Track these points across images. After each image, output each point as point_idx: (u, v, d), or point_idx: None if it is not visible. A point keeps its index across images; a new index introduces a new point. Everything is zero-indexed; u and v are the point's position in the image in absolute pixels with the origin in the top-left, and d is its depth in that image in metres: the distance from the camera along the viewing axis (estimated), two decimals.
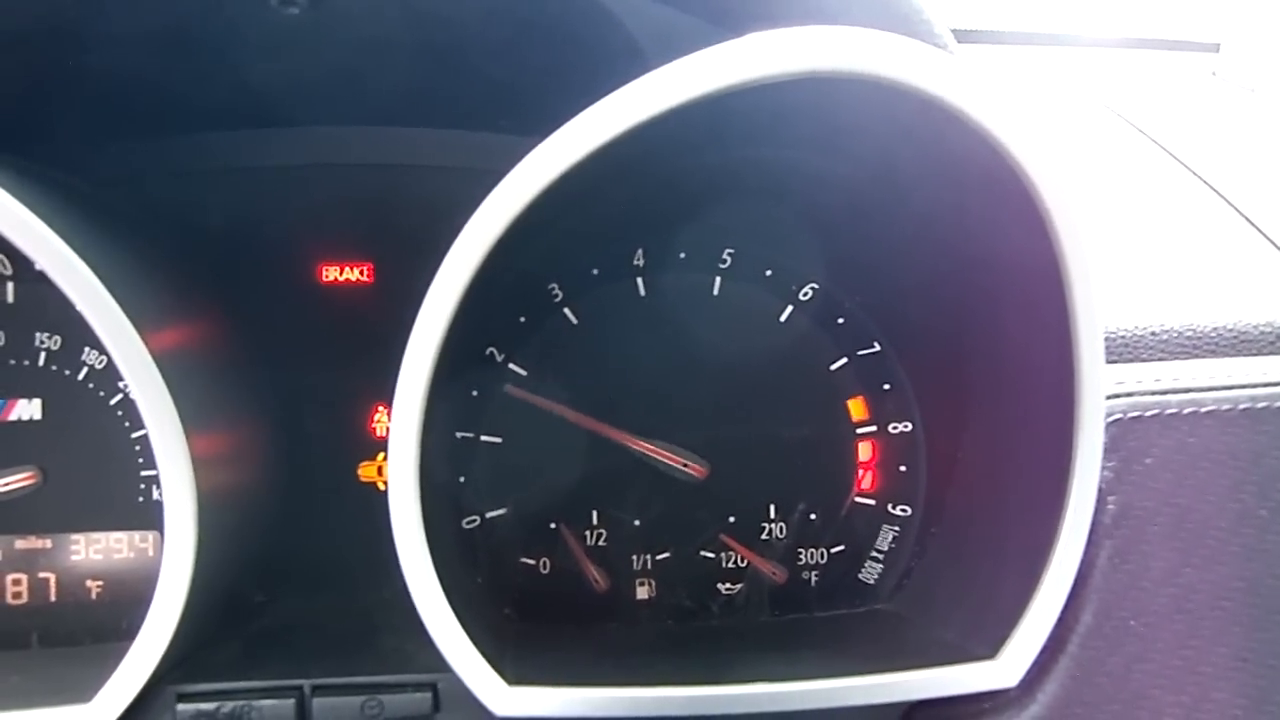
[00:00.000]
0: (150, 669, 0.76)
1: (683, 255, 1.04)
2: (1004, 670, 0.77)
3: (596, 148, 0.67)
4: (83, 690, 0.75)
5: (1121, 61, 1.75)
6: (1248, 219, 1.15)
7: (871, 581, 1.04)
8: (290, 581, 1.01)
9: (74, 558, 0.98)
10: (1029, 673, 0.78)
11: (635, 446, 1.01)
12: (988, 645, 0.79)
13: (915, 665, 0.79)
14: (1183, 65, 1.74)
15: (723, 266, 1.04)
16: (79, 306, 0.72)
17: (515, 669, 0.77)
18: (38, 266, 0.71)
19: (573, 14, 0.84)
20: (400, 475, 0.72)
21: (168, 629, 0.76)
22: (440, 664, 0.75)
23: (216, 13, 0.82)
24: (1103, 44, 1.76)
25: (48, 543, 0.98)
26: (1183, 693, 0.80)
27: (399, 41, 0.89)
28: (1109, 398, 0.82)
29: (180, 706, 0.80)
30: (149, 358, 0.72)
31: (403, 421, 0.72)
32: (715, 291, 1.05)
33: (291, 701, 0.80)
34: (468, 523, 1.02)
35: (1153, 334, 0.92)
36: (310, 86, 0.95)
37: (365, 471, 1.05)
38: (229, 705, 0.79)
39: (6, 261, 0.97)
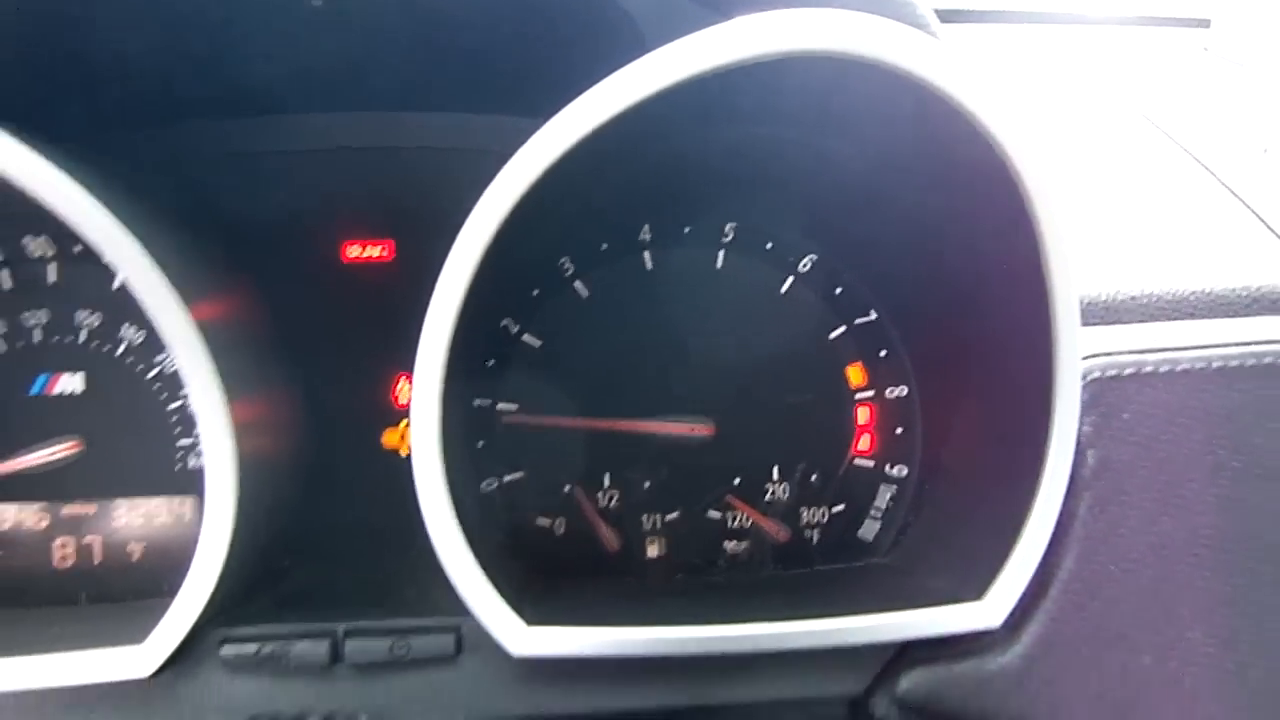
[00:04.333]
0: (194, 618, 0.81)
1: (687, 230, 1.07)
2: (989, 611, 0.82)
3: (595, 128, 0.71)
4: (135, 634, 0.81)
5: (1112, 38, 1.76)
6: (1230, 190, 1.18)
7: (870, 538, 1.08)
8: (317, 545, 1.04)
9: (117, 522, 1.03)
10: (1013, 614, 0.82)
11: (641, 430, 1.06)
12: (975, 590, 0.83)
13: (905, 607, 0.83)
14: (1173, 41, 1.75)
15: (725, 240, 1.08)
16: (127, 280, 0.76)
17: (533, 612, 0.81)
18: (89, 242, 0.75)
19: (577, 2, 0.89)
20: (423, 437, 0.77)
21: (209, 581, 0.80)
22: (463, 609, 0.80)
23: (245, 3, 0.86)
24: (1093, 21, 1.77)
25: (92, 508, 1.03)
26: (1158, 633, 0.85)
27: (413, 31, 0.93)
28: (1089, 357, 0.86)
29: (224, 648, 0.85)
30: (193, 328, 0.77)
31: (424, 389, 0.76)
32: (719, 264, 1.08)
33: (326, 643, 0.85)
34: (485, 485, 1.07)
35: (1133, 298, 0.96)
36: (333, 74, 0.99)
37: (388, 439, 1.08)
38: (269, 646, 0.85)
39: (50, 243, 1.02)
